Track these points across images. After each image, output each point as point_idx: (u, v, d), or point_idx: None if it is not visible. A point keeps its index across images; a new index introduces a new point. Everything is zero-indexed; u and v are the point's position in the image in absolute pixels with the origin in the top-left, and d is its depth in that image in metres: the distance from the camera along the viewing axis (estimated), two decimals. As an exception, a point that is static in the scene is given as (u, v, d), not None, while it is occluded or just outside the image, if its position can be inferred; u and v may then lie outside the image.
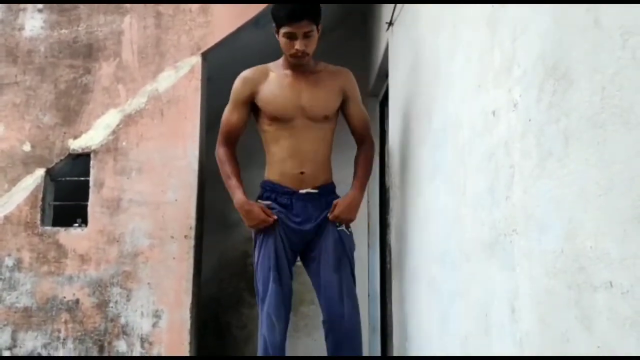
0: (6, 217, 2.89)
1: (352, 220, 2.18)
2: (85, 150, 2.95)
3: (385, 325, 3.31)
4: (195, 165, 2.95)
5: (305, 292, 3.77)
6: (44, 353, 2.80)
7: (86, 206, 2.92)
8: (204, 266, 3.18)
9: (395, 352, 2.48)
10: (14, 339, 2.82)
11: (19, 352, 2.80)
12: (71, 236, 2.90)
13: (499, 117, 1.14)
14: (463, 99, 1.43)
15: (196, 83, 2.99)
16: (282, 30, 2.00)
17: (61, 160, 2.95)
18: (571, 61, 0.83)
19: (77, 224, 2.96)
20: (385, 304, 3.26)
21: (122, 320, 2.83)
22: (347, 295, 2.06)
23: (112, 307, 2.84)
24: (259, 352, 2.08)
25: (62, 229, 2.91)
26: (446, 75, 1.61)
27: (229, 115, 2.19)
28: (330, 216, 2.11)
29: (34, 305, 2.84)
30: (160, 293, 2.84)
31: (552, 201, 0.89)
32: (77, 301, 2.84)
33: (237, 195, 2.12)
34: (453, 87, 1.54)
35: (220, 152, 2.22)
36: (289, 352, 2.30)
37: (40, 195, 2.91)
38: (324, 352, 2.24)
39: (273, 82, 2.11)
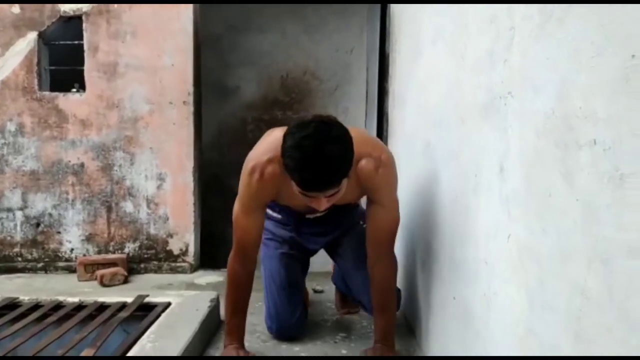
0: (3, 82, 2.88)
1: (392, 355, 1.77)
2: (77, 13, 2.86)
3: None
4: (190, 29, 2.88)
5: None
6: (55, 214, 2.94)
7: (82, 71, 2.90)
8: (204, 132, 3.23)
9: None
10: (24, 200, 2.94)
11: (31, 212, 2.94)
12: (70, 101, 2.91)
13: (503, -24, 1.11)
14: (468, -43, 1.37)
15: (187, -61, 2.82)
16: (297, 188, 1.48)
17: (53, 22, 2.86)
18: None
19: (75, 89, 2.95)
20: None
21: (127, 183, 2.94)
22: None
23: (116, 170, 2.93)
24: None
25: (60, 94, 2.92)
26: None
27: (245, 219, 1.68)
28: None
29: (40, 168, 2.93)
30: (163, 157, 2.92)
31: (548, 63, 0.90)
32: (82, 165, 2.93)
33: (229, 340, 1.75)
34: (459, -57, 1.46)
35: (235, 267, 1.73)
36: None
37: (35, 60, 2.87)
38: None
39: (293, 191, 1.52)
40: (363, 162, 1.60)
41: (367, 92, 3.86)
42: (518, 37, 1.04)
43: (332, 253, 2.09)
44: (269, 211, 1.98)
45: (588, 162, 0.76)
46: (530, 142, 0.96)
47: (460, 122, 1.42)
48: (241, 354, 1.72)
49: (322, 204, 1.49)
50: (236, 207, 1.70)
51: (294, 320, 1.95)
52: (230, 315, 1.75)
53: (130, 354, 1.58)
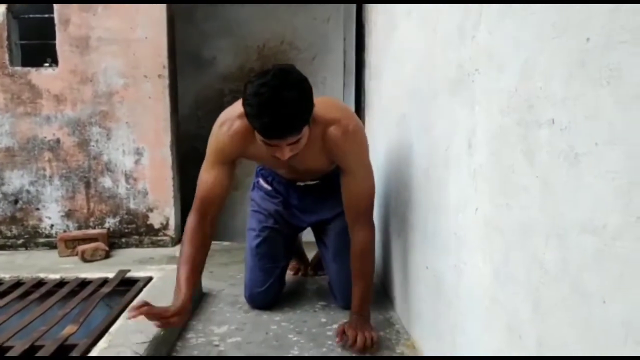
0: (-27, 58, 2.81)
1: (372, 333, 1.65)
2: (46, -16, 2.79)
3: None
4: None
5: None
6: (32, 190, 2.93)
7: (54, 45, 2.85)
8: (181, 105, 3.21)
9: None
10: (1, 177, 2.92)
11: (8, 189, 2.92)
12: (43, 76, 2.87)
13: (471, -48, 1.12)
14: None
15: None
16: (258, 137, 1.48)
17: (21, -5, 2.80)
18: None
19: (47, 64, 2.90)
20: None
21: (105, 158, 2.93)
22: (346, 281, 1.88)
23: (93, 145, 2.91)
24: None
25: (32, 69, 2.86)
26: None
27: (209, 174, 1.65)
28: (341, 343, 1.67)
29: (15, 145, 2.90)
30: (140, 132, 2.91)
31: (513, 42, 0.92)
32: (57, 140, 2.90)
33: (178, 299, 1.50)
34: None
35: (189, 222, 1.63)
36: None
37: (5, 34, 2.80)
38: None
39: (261, 146, 1.52)
40: (331, 129, 1.61)
41: (344, 63, 3.85)
42: (486, 14, 1.05)
43: (317, 240, 2.12)
44: (261, 181, 2.04)
45: (547, 140, 0.79)
46: (496, 119, 0.98)
47: (433, 96, 1.45)
48: (176, 313, 1.45)
49: (285, 152, 1.47)
50: (203, 165, 1.68)
51: (263, 288, 1.99)
52: (179, 268, 1.56)
53: (113, 328, 1.61)
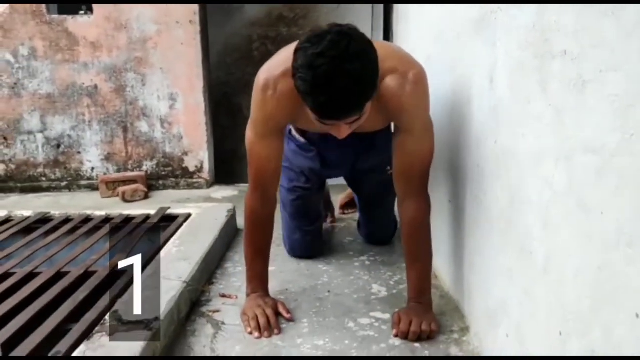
0: (12, 7, 2.91)
1: (432, 325, 1.41)
2: None
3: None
4: (192, -54, 2.87)
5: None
6: (73, 135, 3.07)
7: (88, -7, 2.93)
8: (211, 52, 3.28)
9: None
10: (43, 122, 3.07)
11: (50, 134, 3.07)
12: (79, 24, 2.96)
13: None
14: None
15: None
16: (312, 114, 1.23)
17: (55, -57, 2.86)
18: None
19: (82, 11, 2.99)
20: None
21: (141, 104, 3.04)
22: (381, 225, 2.09)
23: (129, 91, 3.03)
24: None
25: (69, 17, 2.96)
26: None
27: (261, 145, 1.46)
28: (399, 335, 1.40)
29: (55, 91, 3.03)
30: (173, 77, 3.00)
31: (532, -22, 0.97)
32: (95, 87, 3.02)
33: (252, 288, 1.59)
34: None
35: (253, 204, 1.55)
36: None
37: (41, -17, 2.89)
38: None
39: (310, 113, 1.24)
40: (387, 80, 1.33)
41: (372, 8, 3.83)
42: (508, -47, 1.09)
43: (352, 188, 2.15)
44: (293, 130, 1.86)
45: (559, 70, 0.85)
46: (515, 54, 1.04)
47: (456, 36, 1.49)
48: (267, 301, 1.53)
49: (343, 131, 1.26)
50: (249, 133, 1.47)
51: (304, 244, 1.98)
52: (250, 260, 1.59)
53: (158, 257, 1.76)
